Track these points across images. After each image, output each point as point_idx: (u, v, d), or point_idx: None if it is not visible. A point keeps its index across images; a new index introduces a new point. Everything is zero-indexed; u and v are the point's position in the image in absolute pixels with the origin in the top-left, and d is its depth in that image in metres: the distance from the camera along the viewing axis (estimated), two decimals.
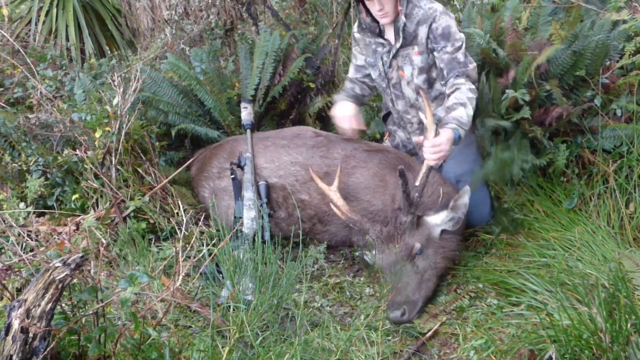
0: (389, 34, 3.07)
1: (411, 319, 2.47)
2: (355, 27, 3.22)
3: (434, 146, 2.57)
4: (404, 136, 3.37)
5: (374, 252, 2.70)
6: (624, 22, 3.02)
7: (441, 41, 2.89)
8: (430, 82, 3.09)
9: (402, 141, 3.38)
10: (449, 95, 2.81)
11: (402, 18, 2.94)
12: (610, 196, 2.84)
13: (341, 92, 3.39)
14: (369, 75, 3.30)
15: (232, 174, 3.06)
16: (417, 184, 2.65)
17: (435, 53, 2.94)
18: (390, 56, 3.06)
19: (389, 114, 3.42)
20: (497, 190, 3.19)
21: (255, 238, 2.65)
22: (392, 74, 3.12)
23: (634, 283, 2.26)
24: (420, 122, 3.17)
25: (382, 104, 3.53)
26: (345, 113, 3.23)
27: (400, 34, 2.98)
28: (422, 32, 2.94)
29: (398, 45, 3.01)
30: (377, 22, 3.04)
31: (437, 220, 2.72)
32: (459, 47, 2.87)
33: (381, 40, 3.08)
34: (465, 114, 2.69)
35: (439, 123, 2.68)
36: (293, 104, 3.94)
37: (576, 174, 3.03)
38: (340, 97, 3.33)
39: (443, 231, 2.73)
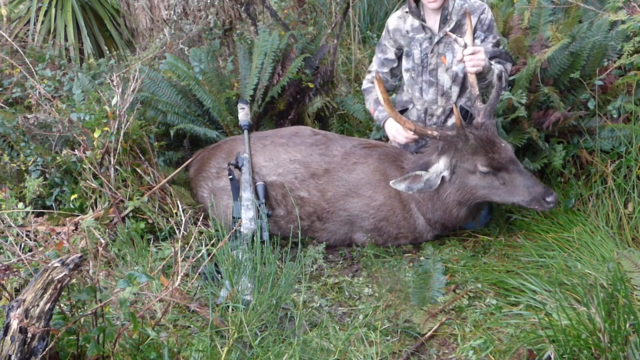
0: (431, 20, 3.16)
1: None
2: (392, 18, 3.28)
3: (473, 53, 2.78)
4: None
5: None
6: (622, 22, 3.02)
7: (486, 32, 3.10)
8: (465, 72, 3.20)
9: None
10: None
11: (451, 3, 3.07)
12: (608, 196, 2.85)
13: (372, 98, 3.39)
14: (393, 70, 3.39)
15: (229, 174, 3.06)
16: (476, 93, 2.82)
17: (477, 41, 3.08)
18: (434, 42, 3.16)
19: (402, 111, 3.42)
20: None
21: (254, 238, 2.65)
22: (431, 60, 3.21)
23: (632, 283, 2.26)
24: (443, 114, 3.29)
25: (399, 101, 3.51)
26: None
27: (452, 19, 3.09)
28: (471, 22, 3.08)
29: (448, 28, 3.10)
30: (419, 8, 3.16)
31: None
32: (499, 42, 3.12)
33: (423, 26, 3.17)
34: (497, 67, 2.93)
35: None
36: (292, 104, 3.94)
37: (574, 174, 3.04)
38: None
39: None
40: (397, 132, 3.18)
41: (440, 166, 2.81)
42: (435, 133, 2.76)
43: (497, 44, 3.10)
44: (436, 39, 3.15)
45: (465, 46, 2.79)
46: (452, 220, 2.97)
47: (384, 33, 3.33)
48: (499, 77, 2.87)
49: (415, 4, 3.16)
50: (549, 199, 2.62)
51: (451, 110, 3.25)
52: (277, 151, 3.18)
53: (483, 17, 3.09)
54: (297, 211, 3.03)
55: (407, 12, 3.19)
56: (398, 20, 3.24)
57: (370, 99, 3.37)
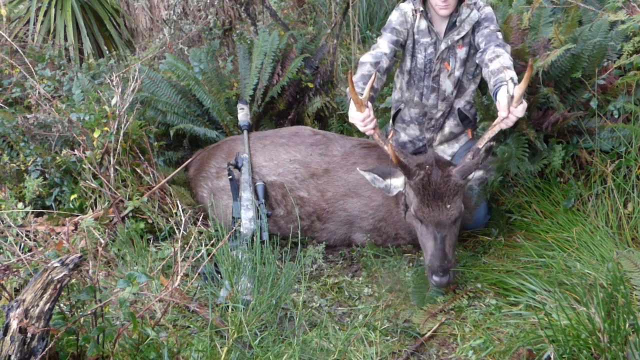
0: (438, 26, 3.05)
1: (450, 282, 2.57)
2: (408, 7, 3.07)
3: (522, 112, 2.52)
4: (415, 133, 3.32)
5: (411, 197, 2.67)
6: (622, 22, 3.02)
7: (484, 22, 2.97)
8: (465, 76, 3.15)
9: (412, 138, 3.34)
10: (491, 60, 2.79)
11: (466, 11, 2.95)
12: (608, 196, 2.85)
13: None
14: (395, 54, 3.11)
15: (229, 174, 3.06)
16: (480, 146, 2.61)
17: (476, 32, 2.98)
18: (440, 48, 3.05)
19: (398, 112, 3.39)
20: (495, 192, 3.20)
21: (254, 238, 2.65)
22: (435, 66, 3.10)
23: (632, 283, 2.26)
24: (442, 116, 3.21)
25: (392, 102, 3.42)
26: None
27: (461, 27, 2.99)
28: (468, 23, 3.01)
29: (456, 37, 3.00)
30: (426, 11, 3.03)
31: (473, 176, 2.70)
32: (499, 30, 2.96)
33: (430, 29, 3.05)
34: (515, 76, 2.69)
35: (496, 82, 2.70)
36: (291, 104, 3.95)
37: (573, 174, 3.04)
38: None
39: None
40: (353, 114, 2.74)
41: (396, 182, 2.78)
42: (386, 148, 2.64)
43: (497, 30, 2.95)
44: (442, 45, 3.04)
45: (511, 100, 2.50)
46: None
47: (396, 17, 3.07)
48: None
49: (423, 6, 3.01)
50: (434, 278, 2.54)
51: (449, 112, 3.23)
52: (277, 151, 3.18)
53: (480, 12, 2.99)
54: (296, 211, 3.03)
55: (415, 10, 3.03)
56: (410, 13, 3.07)
57: (359, 73, 3.01)
